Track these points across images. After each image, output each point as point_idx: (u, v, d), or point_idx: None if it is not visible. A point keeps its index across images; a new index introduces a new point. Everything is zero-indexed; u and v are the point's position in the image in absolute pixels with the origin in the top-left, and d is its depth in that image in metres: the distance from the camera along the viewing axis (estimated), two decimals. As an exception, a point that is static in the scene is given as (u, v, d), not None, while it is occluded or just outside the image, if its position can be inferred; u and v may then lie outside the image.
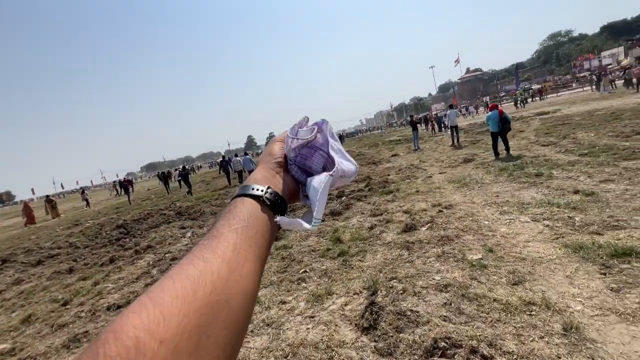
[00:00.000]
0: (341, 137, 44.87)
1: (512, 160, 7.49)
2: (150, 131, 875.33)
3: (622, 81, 23.96)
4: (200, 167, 63.69)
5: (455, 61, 73.03)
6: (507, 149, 8.18)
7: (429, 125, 21.44)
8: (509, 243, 3.39)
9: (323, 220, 4.85)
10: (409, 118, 16.16)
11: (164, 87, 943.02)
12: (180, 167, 19.06)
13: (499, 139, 8.15)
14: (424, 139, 18.42)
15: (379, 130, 63.13)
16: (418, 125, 14.97)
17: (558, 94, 33.60)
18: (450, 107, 13.22)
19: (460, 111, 39.45)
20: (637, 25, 72.00)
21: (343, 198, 7.09)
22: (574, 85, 39.46)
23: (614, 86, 24.68)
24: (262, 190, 0.38)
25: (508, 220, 4.00)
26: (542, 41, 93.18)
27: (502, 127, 7.95)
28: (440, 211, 4.77)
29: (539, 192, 4.83)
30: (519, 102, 28.53)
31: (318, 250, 4.26)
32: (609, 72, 24.99)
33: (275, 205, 0.39)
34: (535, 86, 44.15)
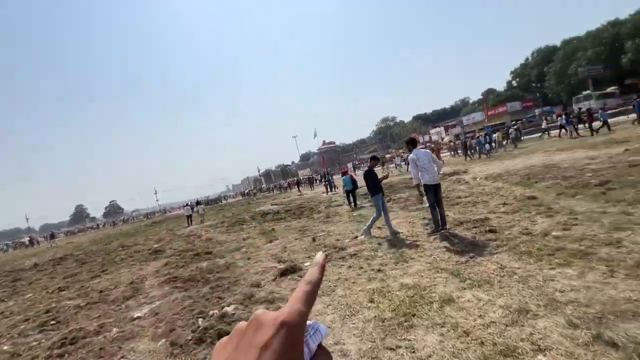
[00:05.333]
0: (199, 203, 34.35)
1: None
2: None
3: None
4: None
5: (314, 134, 78.03)
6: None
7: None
8: None
9: None
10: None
11: None
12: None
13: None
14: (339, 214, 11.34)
15: (245, 197, 49.16)
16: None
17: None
18: (411, 144, 5.72)
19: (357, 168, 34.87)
20: (434, 117, 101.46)
21: None
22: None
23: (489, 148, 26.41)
24: None
25: None
26: (378, 123, 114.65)
27: (354, 186, 10.80)
28: None
29: None
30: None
31: None
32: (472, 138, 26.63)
33: None
34: (388, 155, 48.35)
